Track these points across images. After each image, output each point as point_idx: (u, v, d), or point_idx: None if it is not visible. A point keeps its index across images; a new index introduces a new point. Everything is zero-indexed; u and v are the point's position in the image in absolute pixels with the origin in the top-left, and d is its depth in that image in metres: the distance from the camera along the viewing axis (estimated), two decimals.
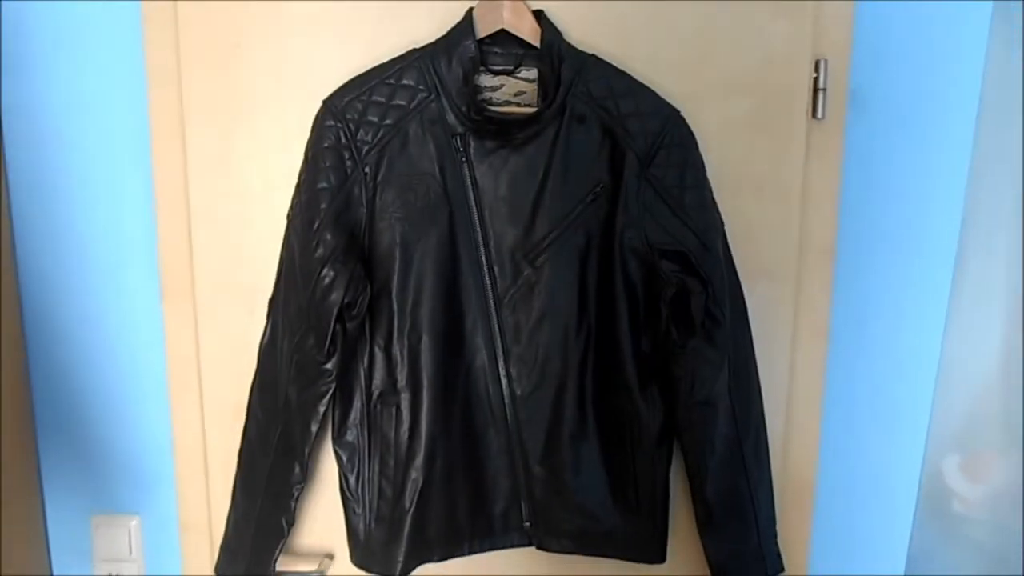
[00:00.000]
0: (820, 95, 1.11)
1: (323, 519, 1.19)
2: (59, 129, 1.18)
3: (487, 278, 1.08)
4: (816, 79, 1.11)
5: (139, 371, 1.23)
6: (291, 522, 1.08)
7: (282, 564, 1.13)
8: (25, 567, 1.22)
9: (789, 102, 1.11)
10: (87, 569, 1.28)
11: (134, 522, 1.27)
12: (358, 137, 1.03)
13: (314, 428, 1.06)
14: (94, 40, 1.15)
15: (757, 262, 1.13)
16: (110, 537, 1.26)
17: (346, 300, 1.02)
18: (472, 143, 1.05)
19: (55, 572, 1.28)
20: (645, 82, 1.06)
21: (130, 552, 1.26)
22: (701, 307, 1.04)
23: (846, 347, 1.21)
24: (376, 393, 1.09)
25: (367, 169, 1.04)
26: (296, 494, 1.08)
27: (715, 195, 1.07)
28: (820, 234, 1.15)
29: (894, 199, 1.18)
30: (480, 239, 1.07)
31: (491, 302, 1.08)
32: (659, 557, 1.13)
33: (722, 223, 1.08)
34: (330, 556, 1.21)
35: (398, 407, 1.08)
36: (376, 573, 1.10)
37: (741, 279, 1.10)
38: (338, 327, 1.03)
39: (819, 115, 1.11)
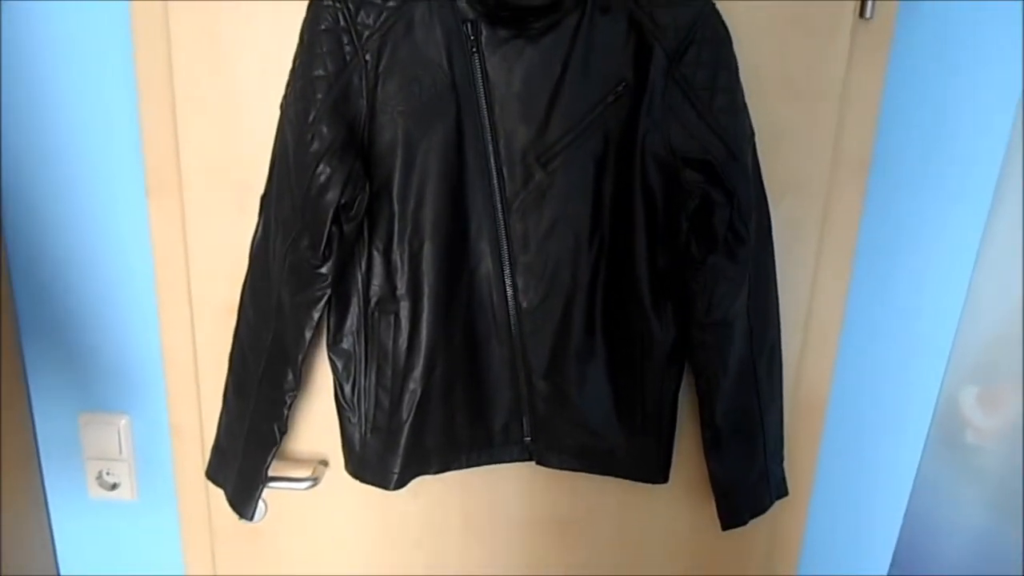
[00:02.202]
0: None
1: (318, 425, 1.16)
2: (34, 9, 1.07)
3: (495, 181, 1.00)
4: None
5: (125, 268, 1.17)
6: (283, 430, 1.05)
7: (275, 469, 1.10)
8: (12, 466, 1.19)
9: None
10: (77, 468, 1.26)
11: (123, 421, 1.23)
12: (358, 20, 0.94)
13: (308, 335, 1.00)
14: None
15: (785, 174, 1.06)
16: (99, 436, 1.23)
17: (343, 200, 0.95)
18: (484, 31, 0.95)
19: (44, 471, 1.26)
20: None
21: (120, 451, 1.24)
22: (725, 221, 0.97)
23: (871, 269, 1.15)
24: (374, 300, 1.03)
25: (368, 56, 0.95)
26: (289, 402, 1.04)
27: (747, 100, 0.98)
28: (856, 147, 1.07)
29: (937, 114, 1.09)
30: (489, 138, 0.99)
31: (498, 207, 1.01)
32: (662, 477, 1.10)
33: (752, 131, 0.99)
34: (324, 463, 1.19)
35: (397, 315, 1.02)
36: (371, 483, 1.07)
37: (767, 192, 1.03)
38: (334, 229, 0.96)
39: (867, 14, 1.01)
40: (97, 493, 1.27)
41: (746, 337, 1.04)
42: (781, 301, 1.07)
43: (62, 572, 1.34)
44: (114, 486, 1.26)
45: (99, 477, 1.25)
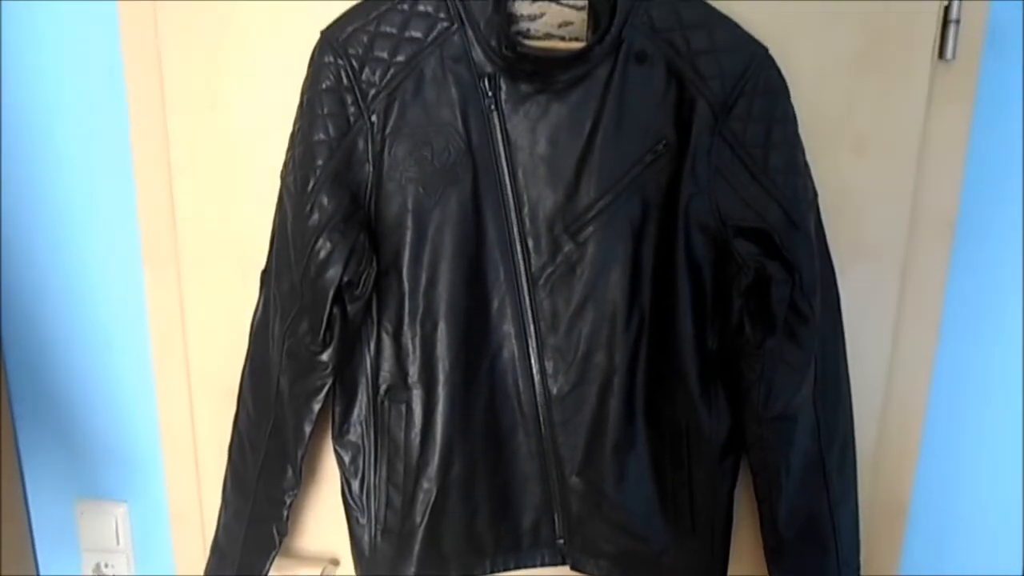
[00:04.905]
0: (951, 29, 0.89)
1: (327, 519, 1.06)
2: (30, 75, 1.03)
3: (519, 254, 0.90)
4: (947, 8, 0.88)
5: (121, 346, 1.10)
6: (283, 532, 0.96)
7: (282, 568, 1.02)
8: (6, 556, 1.13)
9: (909, 38, 0.89)
10: (74, 561, 1.19)
11: (121, 509, 1.16)
12: (363, 77, 0.85)
13: (308, 429, 0.92)
14: None
15: (855, 240, 0.94)
16: (96, 525, 1.16)
17: (346, 278, 0.86)
18: (504, 86, 0.86)
19: (39, 562, 1.19)
20: (723, 9, 0.85)
21: (118, 542, 1.15)
22: (784, 299, 0.85)
23: (959, 346, 1.01)
24: (384, 387, 0.93)
25: (374, 117, 0.86)
26: (288, 501, 0.95)
27: (807, 156, 0.87)
28: (939, 206, 0.94)
29: None
30: (512, 206, 0.89)
31: (523, 283, 0.91)
32: None
33: (815, 193, 0.88)
34: (335, 562, 1.09)
35: (408, 405, 0.92)
36: None
37: (834, 260, 0.91)
38: (336, 310, 0.87)
39: (948, 55, 0.89)
40: None
41: (812, 431, 0.91)
42: (853, 387, 0.94)
43: None
44: None
45: (97, 569, 1.17)
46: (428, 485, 0.93)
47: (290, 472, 0.93)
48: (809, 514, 0.93)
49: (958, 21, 0.88)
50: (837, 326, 0.92)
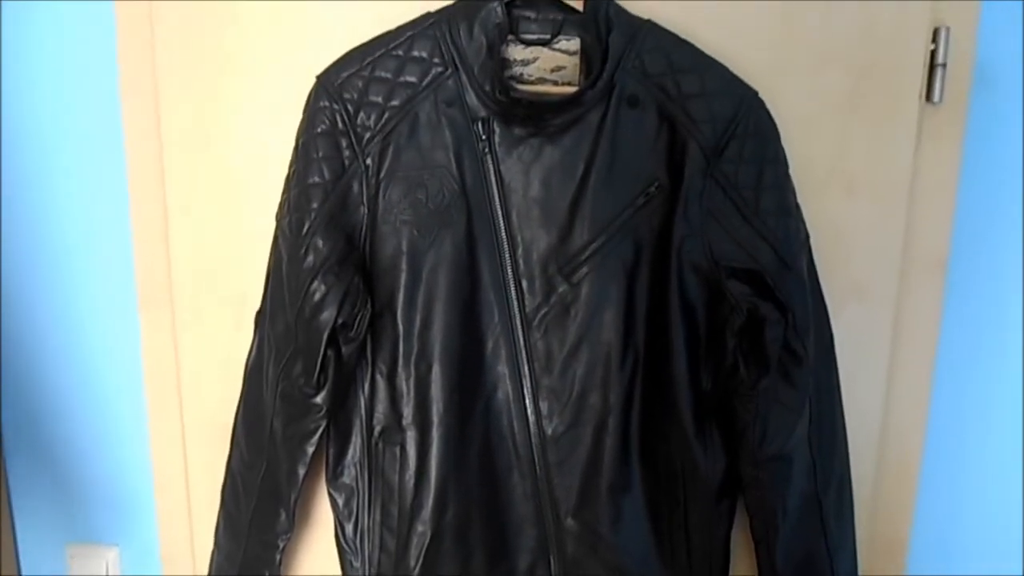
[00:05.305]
0: (938, 72, 0.90)
1: (320, 563, 1.03)
2: (28, 120, 1.04)
3: (513, 295, 0.90)
4: (934, 52, 0.90)
5: (115, 389, 1.10)
6: None
7: None
8: None
9: (898, 80, 0.91)
10: None
11: (112, 554, 1.14)
12: (358, 121, 0.86)
13: (301, 472, 0.91)
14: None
15: (848, 280, 0.95)
16: (88, 569, 1.14)
17: (340, 320, 0.86)
18: (497, 130, 0.87)
19: None
20: (713, 55, 0.86)
21: None
22: (778, 339, 0.85)
23: (954, 385, 1.01)
24: (378, 429, 0.92)
25: (368, 160, 0.86)
26: (282, 545, 0.94)
27: (798, 198, 0.87)
28: (930, 246, 0.95)
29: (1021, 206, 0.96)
30: (506, 248, 0.89)
31: (518, 323, 0.90)
32: None
33: (807, 233, 0.88)
34: None
35: (403, 447, 0.91)
36: None
37: (827, 300, 0.91)
38: (330, 352, 0.87)
39: (935, 98, 0.90)
40: None
41: (808, 472, 0.91)
42: (849, 426, 0.94)
43: None
44: None
45: None
46: (422, 528, 0.91)
47: (283, 515, 0.92)
48: (807, 556, 0.92)
49: (944, 65, 0.90)
50: (831, 366, 0.92)
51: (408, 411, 0.91)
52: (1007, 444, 1.03)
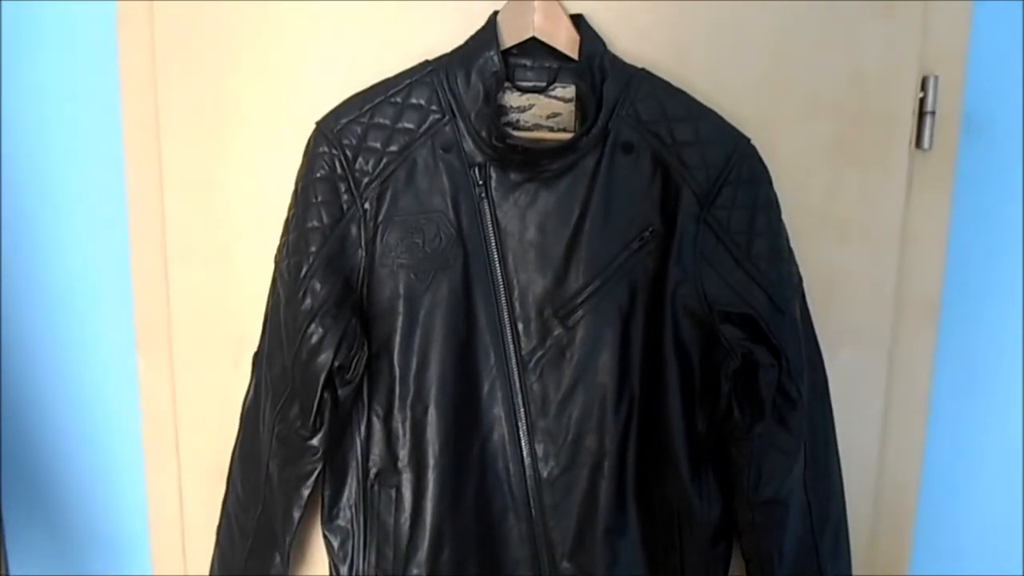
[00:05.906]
0: (927, 120, 0.91)
1: None
2: (24, 154, 1.05)
3: (509, 338, 0.90)
4: (923, 100, 0.91)
5: (112, 429, 1.10)
6: None
7: None
8: None
9: (888, 128, 0.92)
10: None
11: None
12: (356, 166, 0.87)
13: (297, 515, 0.90)
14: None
15: (841, 324, 0.95)
16: None
17: (337, 362, 0.86)
18: (494, 175, 0.88)
19: None
20: (706, 103, 0.88)
21: None
22: (772, 383, 0.85)
23: (949, 427, 1.02)
24: (374, 471, 0.92)
25: (367, 205, 0.87)
26: None
27: (792, 243, 0.88)
28: (923, 290, 0.96)
29: (1013, 248, 0.97)
30: (502, 291, 0.90)
31: (513, 366, 0.91)
32: None
33: (800, 278, 0.89)
34: None
35: (398, 489, 0.91)
36: None
37: (821, 344, 0.91)
38: (327, 395, 0.87)
39: (925, 145, 0.91)
40: None
41: (804, 515, 0.90)
42: (845, 470, 0.94)
43: None
44: None
45: None
46: (417, 571, 0.91)
47: (278, 559, 0.92)
48: None
49: (934, 112, 0.91)
50: (826, 409, 0.92)
51: (404, 453, 0.90)
52: (1003, 486, 1.03)
